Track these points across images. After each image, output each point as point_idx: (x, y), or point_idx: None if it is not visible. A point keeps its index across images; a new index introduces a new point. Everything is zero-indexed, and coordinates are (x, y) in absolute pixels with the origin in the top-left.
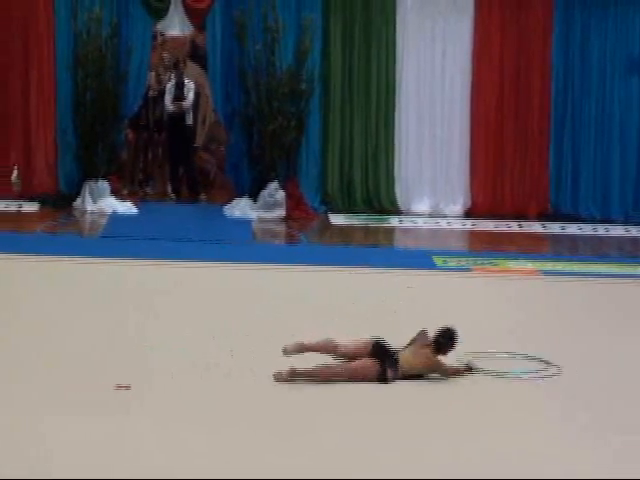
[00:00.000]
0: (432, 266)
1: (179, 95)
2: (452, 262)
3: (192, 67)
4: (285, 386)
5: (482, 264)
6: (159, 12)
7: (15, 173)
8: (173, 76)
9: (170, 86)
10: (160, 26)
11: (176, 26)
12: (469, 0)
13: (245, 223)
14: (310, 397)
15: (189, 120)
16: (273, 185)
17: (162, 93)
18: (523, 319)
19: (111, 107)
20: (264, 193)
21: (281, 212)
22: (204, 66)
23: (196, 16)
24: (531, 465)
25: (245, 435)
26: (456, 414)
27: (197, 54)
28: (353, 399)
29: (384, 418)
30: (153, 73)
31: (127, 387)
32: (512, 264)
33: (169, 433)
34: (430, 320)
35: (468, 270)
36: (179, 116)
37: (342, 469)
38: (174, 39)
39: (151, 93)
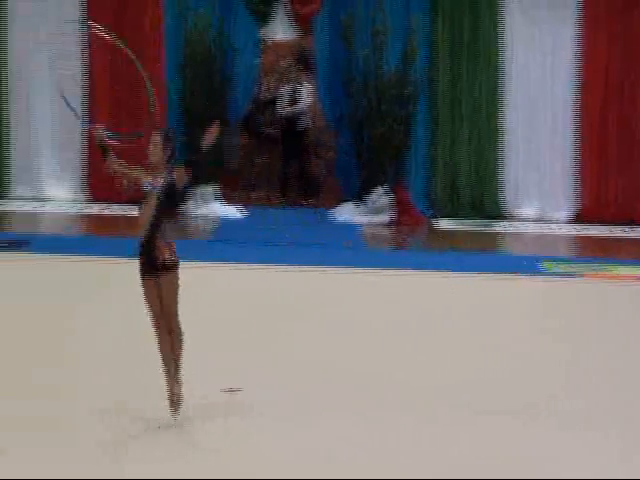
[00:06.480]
0: (541, 272)
1: (294, 98)
2: (561, 268)
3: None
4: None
5: (592, 270)
6: (265, 16)
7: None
8: (290, 79)
9: (285, 90)
10: (266, 30)
11: (283, 30)
12: (574, 4)
13: (353, 227)
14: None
15: (304, 124)
16: (381, 189)
17: (273, 98)
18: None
19: (219, 111)
20: (372, 197)
21: (389, 216)
22: (311, 70)
23: (303, 20)
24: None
25: None
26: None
27: (304, 58)
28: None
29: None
30: (265, 77)
31: (237, 390)
32: (622, 270)
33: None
34: (539, 325)
35: (578, 276)
36: (294, 119)
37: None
38: (281, 43)
39: (262, 97)
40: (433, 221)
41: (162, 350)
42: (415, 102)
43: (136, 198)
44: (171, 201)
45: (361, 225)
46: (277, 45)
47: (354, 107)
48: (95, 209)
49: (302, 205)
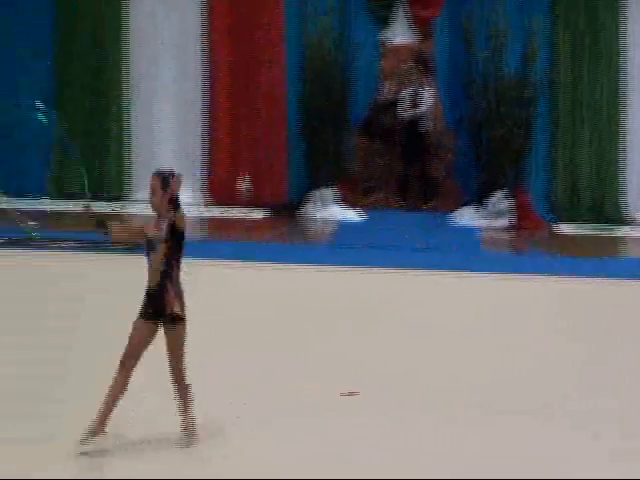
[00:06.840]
0: None
1: (415, 101)
2: None
3: None
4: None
5: None
6: (385, 19)
7: (245, 182)
8: (410, 82)
9: (407, 92)
10: (386, 33)
11: (402, 33)
12: None
13: (472, 231)
14: None
15: (424, 127)
16: (500, 193)
17: (395, 100)
18: None
19: (339, 114)
20: (491, 201)
21: (509, 220)
22: (431, 72)
23: (422, 23)
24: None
25: None
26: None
27: (423, 61)
28: None
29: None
30: (386, 80)
31: (355, 393)
32: None
33: None
34: None
35: None
36: (415, 122)
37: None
38: (400, 46)
39: (383, 100)
40: (553, 225)
41: (112, 389)
42: (535, 104)
43: (256, 203)
44: (179, 245)
45: (480, 229)
46: (397, 48)
47: (473, 109)
48: (215, 212)
49: (421, 208)
